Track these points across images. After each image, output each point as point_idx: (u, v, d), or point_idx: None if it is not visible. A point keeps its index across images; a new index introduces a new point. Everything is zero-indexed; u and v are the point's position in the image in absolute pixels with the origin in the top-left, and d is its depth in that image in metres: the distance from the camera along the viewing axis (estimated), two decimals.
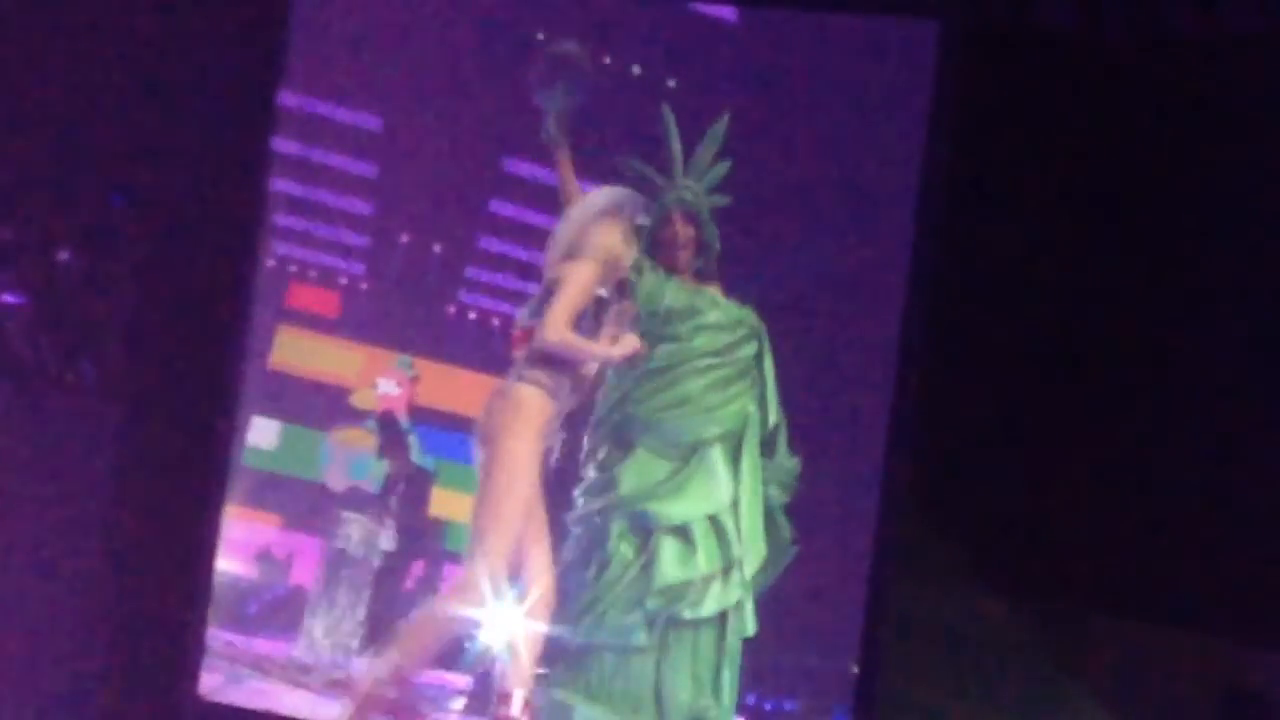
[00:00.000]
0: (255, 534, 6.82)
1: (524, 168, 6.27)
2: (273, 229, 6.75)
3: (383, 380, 6.59)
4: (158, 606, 6.53)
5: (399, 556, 6.61)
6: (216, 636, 6.59)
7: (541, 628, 5.49)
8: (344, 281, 6.62)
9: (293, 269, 6.73)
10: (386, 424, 6.78)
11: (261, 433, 6.91)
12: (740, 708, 6.02)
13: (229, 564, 6.65)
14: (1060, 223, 6.00)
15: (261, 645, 6.64)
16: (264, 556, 6.85)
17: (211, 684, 6.49)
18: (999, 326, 5.98)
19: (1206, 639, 5.87)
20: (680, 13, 6.60)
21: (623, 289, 5.64)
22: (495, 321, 6.51)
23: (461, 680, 6.29)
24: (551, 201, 6.08)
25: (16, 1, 6.62)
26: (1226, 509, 5.81)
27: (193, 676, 6.51)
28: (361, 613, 6.58)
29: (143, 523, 6.54)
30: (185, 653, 6.53)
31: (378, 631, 6.49)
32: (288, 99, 6.67)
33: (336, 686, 6.40)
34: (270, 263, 6.68)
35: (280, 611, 6.60)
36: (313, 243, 6.76)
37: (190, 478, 6.58)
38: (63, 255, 6.65)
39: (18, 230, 6.65)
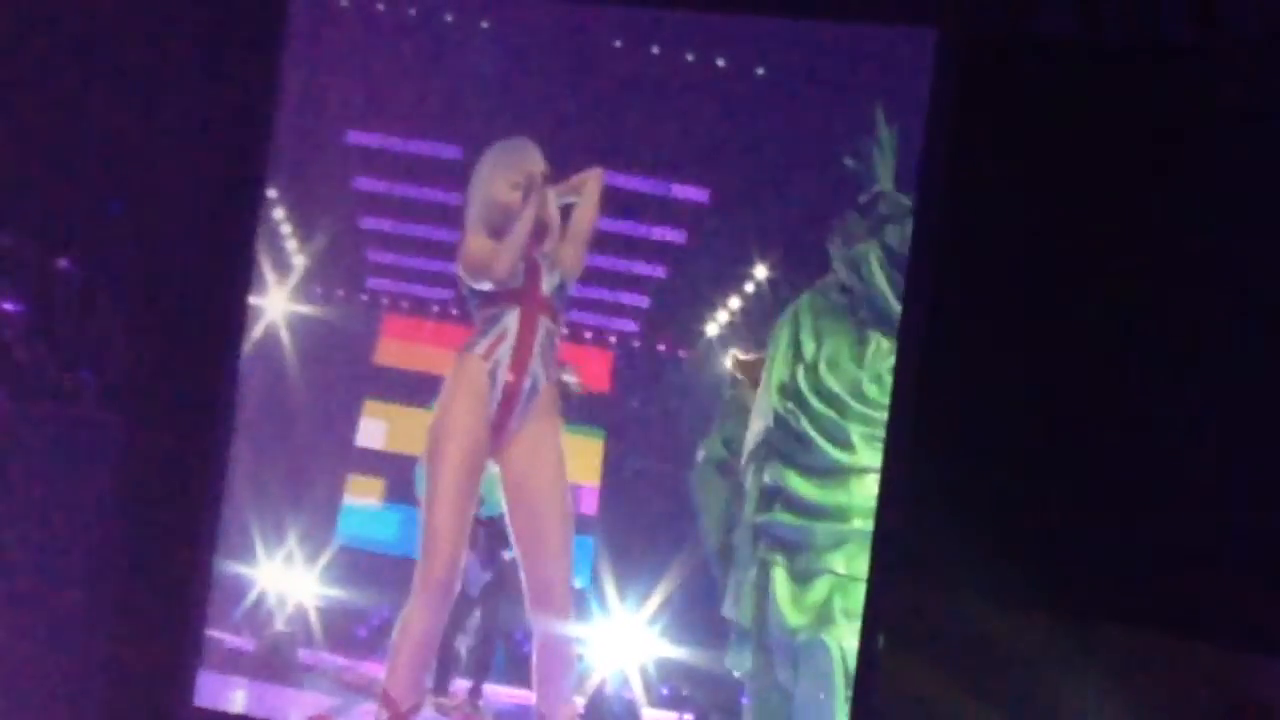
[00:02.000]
0: (360, 561, 6.88)
1: (605, 177, 6.33)
2: (364, 265, 6.85)
3: None
4: (157, 615, 6.52)
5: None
6: (331, 660, 6.75)
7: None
8: (435, 309, 6.67)
9: (385, 301, 6.84)
10: None
11: None
12: None
13: (338, 590, 6.74)
14: (1060, 229, 5.97)
15: (372, 669, 6.63)
16: (371, 582, 6.89)
17: (322, 706, 6.55)
18: (999, 333, 5.95)
19: (1210, 647, 5.84)
20: (674, 21, 6.61)
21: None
22: (587, 335, 6.60)
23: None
24: (636, 212, 6.26)
25: (16, 10, 6.61)
26: (1230, 515, 5.78)
27: (189, 682, 6.51)
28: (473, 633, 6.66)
29: (142, 531, 6.53)
30: (184, 660, 6.53)
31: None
32: (365, 139, 6.84)
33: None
34: (363, 297, 6.79)
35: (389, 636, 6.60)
36: (402, 274, 6.84)
37: (189, 486, 6.57)
38: (62, 263, 6.64)
39: (17, 238, 6.64)
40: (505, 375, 5.92)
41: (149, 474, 6.54)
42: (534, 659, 5.99)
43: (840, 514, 6.01)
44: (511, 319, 5.96)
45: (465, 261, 6.05)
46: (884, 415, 5.77)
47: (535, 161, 6.07)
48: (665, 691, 6.41)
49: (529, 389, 5.95)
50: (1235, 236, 5.84)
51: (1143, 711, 5.81)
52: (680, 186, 6.50)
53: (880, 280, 6.08)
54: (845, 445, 5.99)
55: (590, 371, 6.53)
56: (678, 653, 6.34)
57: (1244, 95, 5.88)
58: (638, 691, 6.33)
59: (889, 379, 5.90)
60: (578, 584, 6.18)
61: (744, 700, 6.31)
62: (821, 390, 6.01)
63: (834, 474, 6.00)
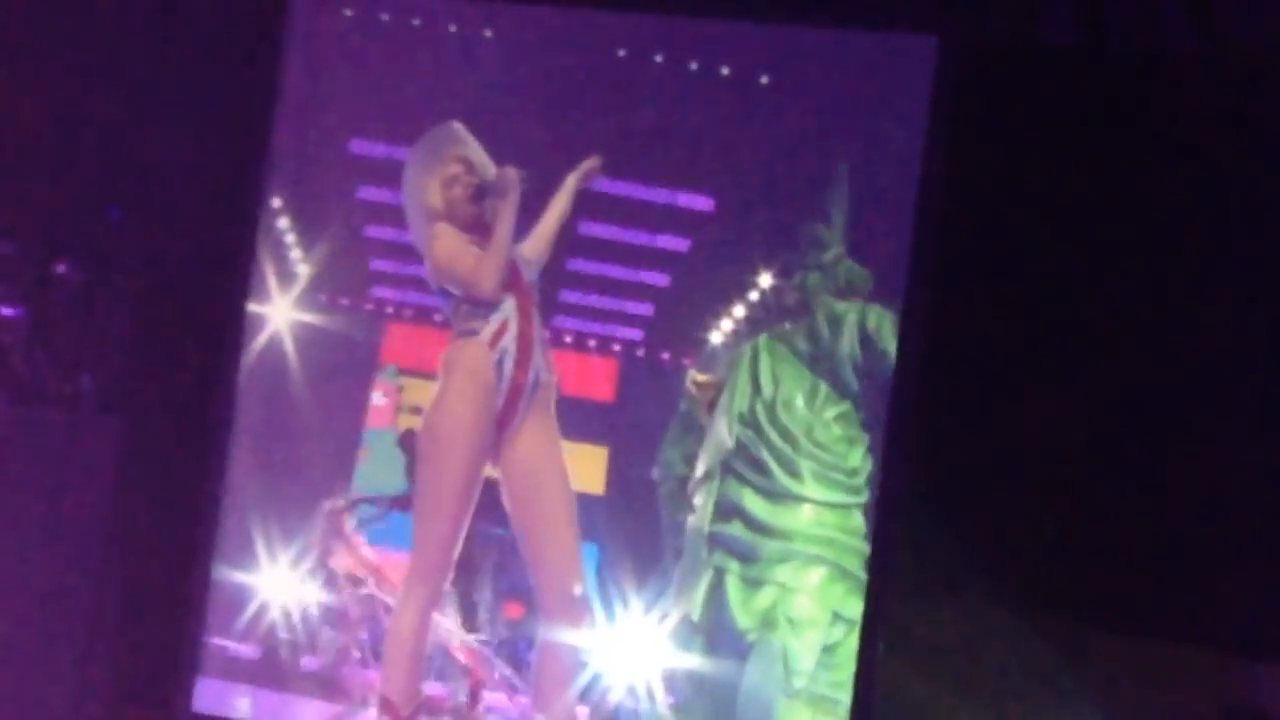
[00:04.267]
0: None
1: (608, 185, 6.31)
2: (368, 273, 6.80)
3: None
4: (157, 620, 6.52)
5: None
6: (334, 668, 6.65)
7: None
8: (439, 318, 6.52)
9: (389, 310, 6.80)
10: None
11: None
12: None
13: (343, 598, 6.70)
14: (1060, 238, 6.00)
15: (375, 677, 6.46)
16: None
17: (325, 714, 6.54)
18: (998, 340, 5.98)
19: (1208, 654, 5.86)
20: (678, 29, 6.61)
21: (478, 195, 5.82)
22: (591, 343, 6.59)
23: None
24: (633, 217, 6.29)
25: (15, 14, 6.60)
26: (1228, 521, 5.80)
27: (188, 688, 6.52)
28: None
29: (142, 538, 6.53)
30: (182, 665, 6.53)
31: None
32: (369, 148, 6.76)
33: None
34: (368, 306, 6.75)
35: None
36: (406, 283, 6.78)
37: (189, 491, 6.57)
38: (60, 268, 6.63)
39: (15, 243, 6.63)
40: (511, 367, 5.72)
41: (149, 480, 6.56)
42: (535, 667, 5.90)
43: (787, 535, 6.35)
44: (509, 307, 5.76)
45: (443, 268, 5.83)
46: (829, 456, 6.32)
47: (458, 144, 5.90)
48: (672, 701, 6.42)
49: (532, 383, 5.76)
50: (1236, 244, 5.87)
51: (1138, 717, 5.83)
52: (684, 195, 6.50)
53: (846, 347, 6.40)
54: (796, 475, 6.35)
55: (594, 379, 6.53)
56: (685, 662, 6.35)
57: (1245, 104, 5.91)
58: (644, 701, 6.33)
59: (834, 427, 6.36)
60: (580, 591, 6.09)
61: (670, 699, 6.45)
62: (778, 426, 6.39)
63: (784, 498, 6.37)
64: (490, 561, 6.60)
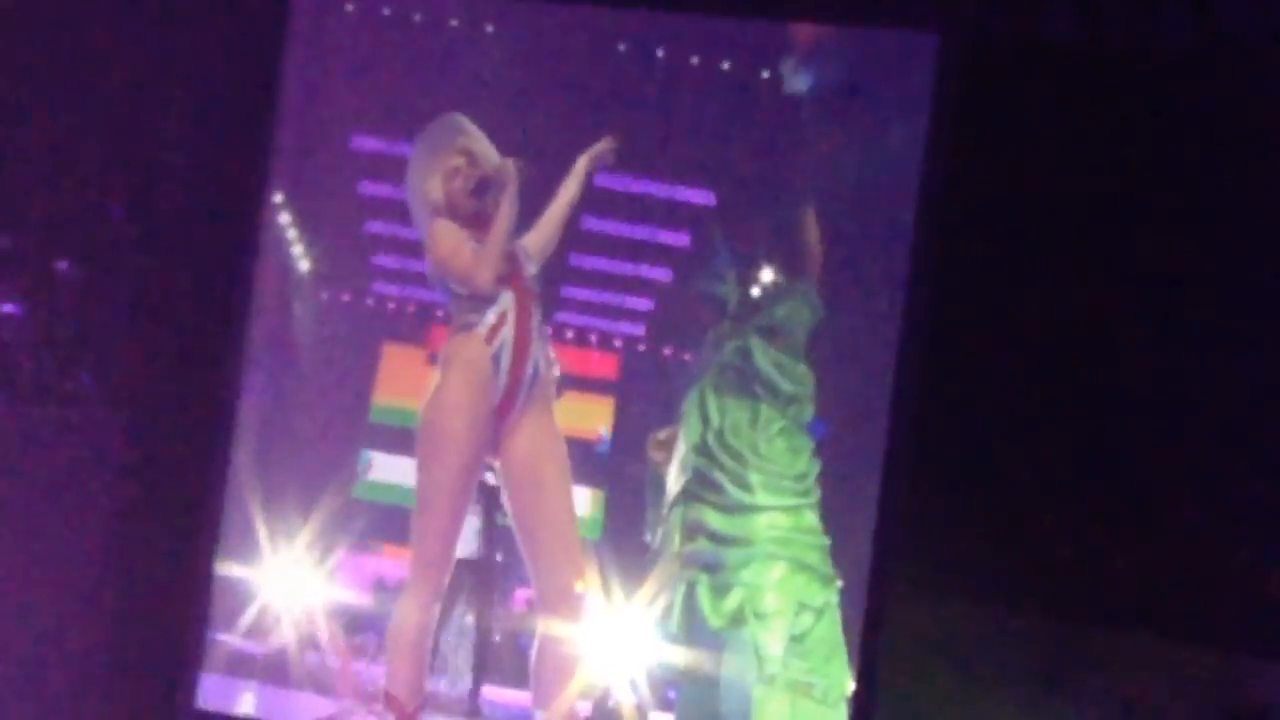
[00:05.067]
0: (368, 565, 6.83)
1: (609, 180, 6.30)
2: (370, 270, 6.79)
3: None
4: (161, 616, 6.52)
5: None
6: (339, 664, 6.75)
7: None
8: (440, 314, 6.46)
9: (391, 306, 6.79)
10: None
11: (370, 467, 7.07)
12: None
13: (346, 595, 6.78)
14: (1061, 236, 5.99)
15: (380, 672, 6.42)
16: (378, 586, 6.86)
17: (329, 710, 6.58)
18: (999, 339, 5.97)
19: (1209, 653, 5.86)
20: (679, 25, 6.61)
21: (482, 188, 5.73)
22: (593, 337, 6.59)
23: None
24: (635, 212, 6.26)
25: (16, 12, 6.60)
26: (1228, 521, 5.80)
27: (191, 685, 6.52)
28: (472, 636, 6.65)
29: (144, 535, 6.52)
30: (186, 661, 6.53)
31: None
32: (369, 143, 6.77)
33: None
34: (369, 302, 6.74)
35: None
36: (407, 279, 6.77)
37: (191, 487, 6.57)
38: (61, 265, 6.63)
39: (16, 240, 6.63)
40: (509, 360, 5.60)
41: (150, 477, 6.53)
42: (534, 663, 5.78)
43: (746, 541, 6.75)
44: (507, 301, 5.63)
45: (441, 264, 5.65)
46: (775, 466, 6.79)
47: (460, 135, 5.74)
48: (671, 695, 6.45)
49: (530, 376, 5.65)
50: (1236, 240, 5.87)
51: (1138, 717, 5.83)
52: (685, 190, 6.50)
53: (767, 365, 6.83)
54: (748, 488, 6.77)
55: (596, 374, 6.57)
56: (668, 664, 6.40)
57: (1244, 99, 5.91)
58: (644, 695, 6.35)
59: (778, 441, 6.80)
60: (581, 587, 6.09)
61: (671, 693, 6.77)
62: (727, 449, 6.82)
63: (739, 510, 6.78)
64: (496, 555, 6.62)
